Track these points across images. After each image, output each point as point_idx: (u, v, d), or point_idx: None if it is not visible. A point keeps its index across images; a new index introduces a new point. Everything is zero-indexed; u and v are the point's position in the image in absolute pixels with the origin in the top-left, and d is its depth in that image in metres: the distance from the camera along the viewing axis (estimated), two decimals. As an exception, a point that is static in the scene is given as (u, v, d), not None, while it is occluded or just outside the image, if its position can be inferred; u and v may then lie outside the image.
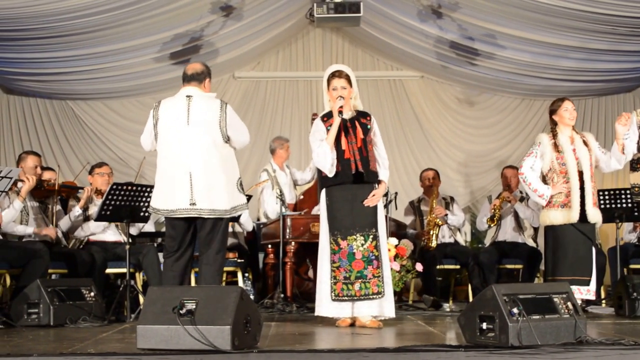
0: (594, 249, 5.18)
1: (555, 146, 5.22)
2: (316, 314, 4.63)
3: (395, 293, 5.85)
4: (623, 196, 5.95)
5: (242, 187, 4.58)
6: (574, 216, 5.12)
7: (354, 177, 4.54)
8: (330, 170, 4.54)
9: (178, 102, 4.50)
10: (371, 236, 4.54)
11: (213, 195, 4.41)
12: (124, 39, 7.45)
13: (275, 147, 7.17)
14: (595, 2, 6.69)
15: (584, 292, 5.09)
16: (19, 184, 5.40)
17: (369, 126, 4.65)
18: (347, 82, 4.62)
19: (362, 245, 4.52)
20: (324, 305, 4.57)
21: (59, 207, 5.93)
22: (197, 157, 4.42)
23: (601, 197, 5.91)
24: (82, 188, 6.07)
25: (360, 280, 4.50)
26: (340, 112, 4.52)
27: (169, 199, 4.47)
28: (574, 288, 4.97)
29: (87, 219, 5.93)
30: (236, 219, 6.36)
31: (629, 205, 5.94)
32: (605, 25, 7.07)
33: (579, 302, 5.07)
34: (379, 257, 4.54)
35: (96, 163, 6.41)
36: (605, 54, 7.67)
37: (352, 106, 4.69)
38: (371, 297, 4.50)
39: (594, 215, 5.15)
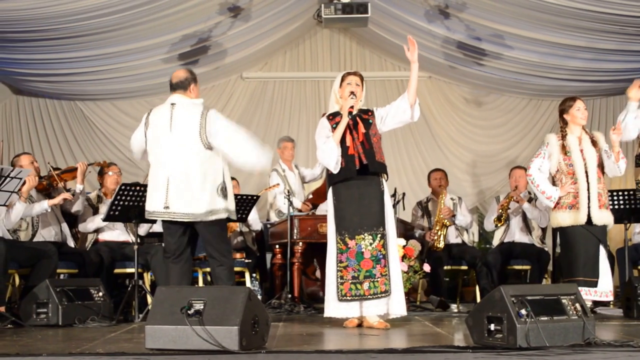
0: (603, 251, 5.17)
1: (563, 147, 5.23)
2: (325, 315, 4.63)
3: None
4: (632, 197, 5.93)
5: (224, 193, 4.57)
6: (582, 218, 5.12)
7: (358, 171, 4.55)
8: (334, 168, 4.56)
9: (164, 110, 4.62)
10: (379, 235, 4.53)
11: (187, 199, 4.48)
12: (133, 40, 7.47)
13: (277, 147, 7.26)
14: (603, 2, 6.67)
15: (592, 294, 5.08)
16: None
17: (370, 121, 4.68)
18: (361, 81, 4.72)
19: (371, 244, 4.51)
20: (332, 305, 4.57)
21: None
22: (177, 163, 4.51)
23: (610, 198, 5.88)
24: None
25: (369, 280, 4.49)
26: (350, 113, 4.56)
27: (149, 201, 4.61)
28: (584, 289, 4.97)
29: (96, 212, 5.97)
30: (243, 219, 6.37)
31: (638, 206, 5.91)
32: (613, 25, 7.05)
33: (589, 303, 5.08)
34: (386, 255, 4.54)
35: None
36: (613, 53, 7.64)
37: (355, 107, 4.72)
38: (379, 296, 4.49)
39: (600, 217, 5.13)
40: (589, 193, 5.11)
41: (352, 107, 4.58)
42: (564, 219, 5.18)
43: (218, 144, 4.50)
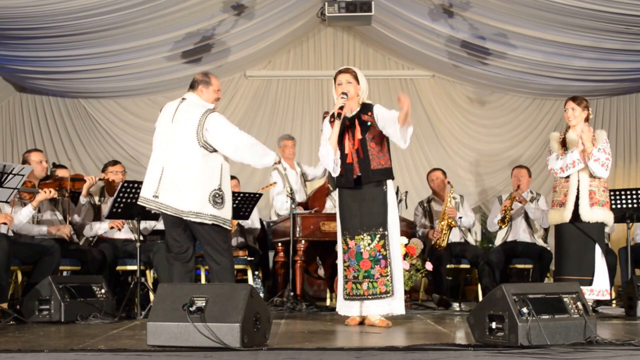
0: (599, 249, 5.17)
1: (562, 145, 5.32)
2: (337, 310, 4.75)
3: (404, 292, 5.87)
4: (634, 196, 5.92)
5: (216, 201, 4.45)
6: (566, 215, 5.22)
7: (355, 182, 4.57)
8: (334, 170, 4.61)
9: (174, 103, 4.69)
10: (378, 235, 4.54)
11: (175, 192, 4.44)
12: (136, 37, 7.48)
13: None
14: (609, 1, 6.65)
15: (587, 292, 5.09)
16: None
17: (369, 123, 4.60)
18: (353, 77, 4.60)
19: (369, 245, 4.53)
20: (339, 303, 4.68)
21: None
22: (173, 155, 4.50)
23: (612, 197, 5.88)
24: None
25: (367, 280, 4.52)
26: (339, 114, 4.49)
27: (143, 187, 4.62)
28: None
29: (97, 215, 5.97)
30: (245, 217, 6.36)
31: (640, 205, 5.92)
32: (618, 25, 7.03)
33: None
34: (387, 256, 4.54)
35: (110, 161, 6.45)
36: (617, 53, 7.62)
37: (359, 103, 4.67)
38: (379, 296, 4.51)
39: (590, 215, 5.18)
40: (578, 191, 5.18)
41: (341, 108, 4.51)
42: (554, 216, 5.34)
43: (216, 144, 4.46)
